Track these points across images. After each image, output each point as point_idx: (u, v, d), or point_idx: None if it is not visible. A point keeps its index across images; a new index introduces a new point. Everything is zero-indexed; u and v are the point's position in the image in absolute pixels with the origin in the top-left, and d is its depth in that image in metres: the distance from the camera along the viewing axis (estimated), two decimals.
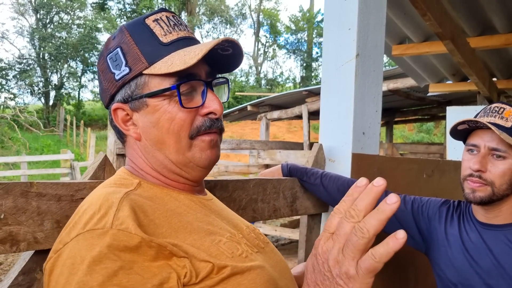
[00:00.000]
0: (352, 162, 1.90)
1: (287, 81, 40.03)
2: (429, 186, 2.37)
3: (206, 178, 1.05)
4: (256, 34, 39.07)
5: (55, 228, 0.98)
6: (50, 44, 26.93)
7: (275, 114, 10.78)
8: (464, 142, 1.55)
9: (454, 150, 4.65)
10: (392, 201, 0.60)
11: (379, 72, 2.06)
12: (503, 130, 1.40)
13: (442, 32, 3.00)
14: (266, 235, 7.20)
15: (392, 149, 10.18)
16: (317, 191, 1.79)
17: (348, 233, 0.63)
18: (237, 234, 0.92)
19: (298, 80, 39.18)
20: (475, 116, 1.52)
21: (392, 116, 12.31)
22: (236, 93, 29.54)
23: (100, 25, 29.01)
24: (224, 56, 0.94)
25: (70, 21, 28.96)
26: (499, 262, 1.40)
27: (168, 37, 0.90)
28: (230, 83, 1.03)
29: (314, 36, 37.97)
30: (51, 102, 28.01)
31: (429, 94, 7.30)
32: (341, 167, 1.92)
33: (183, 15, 31.94)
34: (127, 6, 31.43)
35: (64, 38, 27.92)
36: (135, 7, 30.55)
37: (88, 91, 34.26)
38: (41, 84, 27.60)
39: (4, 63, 26.57)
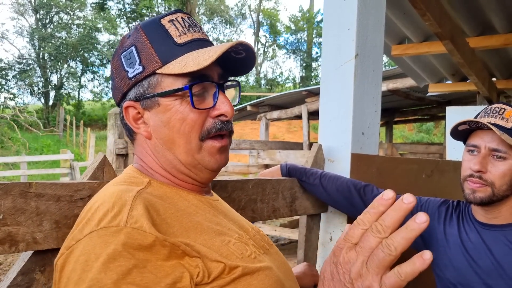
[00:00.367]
0: (351, 162, 1.90)
1: (287, 81, 40.06)
2: (429, 186, 2.37)
3: None
4: (256, 34, 39.07)
5: (54, 228, 0.98)
6: (50, 44, 26.93)
7: (275, 114, 10.78)
8: (464, 143, 1.55)
9: (454, 150, 4.65)
10: (422, 221, 0.59)
11: (378, 72, 2.06)
12: (503, 131, 1.40)
13: (442, 32, 3.00)
14: (264, 234, 7.26)
15: (392, 149, 10.18)
16: (316, 191, 1.79)
17: (373, 247, 0.62)
18: (244, 235, 0.93)
19: (298, 80, 39.19)
20: (476, 117, 1.52)
21: (392, 116, 12.31)
22: None
23: (99, 25, 29.02)
24: (237, 59, 0.94)
25: (70, 21, 28.96)
26: (499, 262, 1.40)
27: (183, 38, 0.90)
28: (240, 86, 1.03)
29: (314, 36, 37.98)
30: (50, 102, 28.01)
31: (428, 94, 7.30)
32: (340, 167, 1.92)
33: None
34: (126, 6, 31.42)
35: (63, 38, 27.92)
36: (134, 7, 30.53)
37: (88, 91, 34.29)
38: (40, 84, 27.61)
39: (4, 63, 26.58)
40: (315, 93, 9.43)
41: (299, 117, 10.71)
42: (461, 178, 1.50)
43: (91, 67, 30.01)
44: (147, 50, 0.90)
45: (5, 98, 25.46)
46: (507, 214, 1.45)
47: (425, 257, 0.59)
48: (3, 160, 13.16)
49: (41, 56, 27.67)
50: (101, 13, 29.75)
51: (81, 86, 30.12)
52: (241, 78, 35.63)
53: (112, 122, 4.84)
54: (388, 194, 0.62)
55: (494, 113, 1.45)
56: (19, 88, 27.11)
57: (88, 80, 30.70)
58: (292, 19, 39.09)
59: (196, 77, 0.88)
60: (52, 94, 28.16)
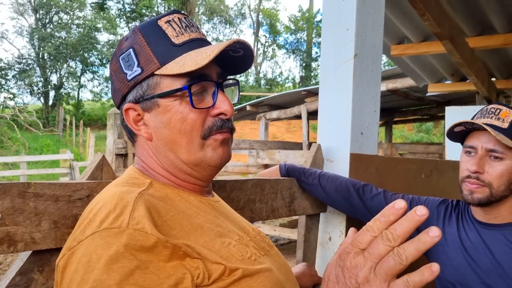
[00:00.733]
0: (350, 162, 1.90)
1: (287, 81, 40.05)
2: (428, 186, 2.37)
3: None
4: (256, 34, 39.06)
5: (53, 228, 0.98)
6: (50, 44, 26.93)
7: (274, 114, 10.78)
8: (462, 144, 1.55)
9: (453, 150, 4.65)
10: (435, 235, 0.60)
11: (377, 72, 2.06)
12: (499, 131, 1.40)
13: (441, 32, 3.00)
14: (265, 235, 7.25)
15: (391, 149, 10.17)
16: (315, 191, 1.79)
17: (382, 255, 0.63)
18: (245, 236, 0.93)
19: (297, 80, 39.18)
20: (472, 118, 1.52)
21: (391, 116, 12.30)
22: None
23: (99, 25, 29.01)
24: (235, 58, 0.94)
25: (70, 21, 28.95)
26: (498, 261, 1.40)
27: (180, 38, 0.90)
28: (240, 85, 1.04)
29: (313, 36, 37.97)
30: (50, 102, 28.01)
31: (428, 94, 7.30)
32: (339, 167, 1.92)
33: None
34: (126, 6, 31.41)
35: (63, 38, 27.92)
36: (134, 7, 30.52)
37: (88, 91, 34.29)
38: (40, 84, 27.60)
39: (4, 63, 26.58)
40: (315, 93, 9.43)
41: (298, 117, 10.71)
42: (459, 179, 1.50)
43: (91, 67, 30.01)
44: (145, 52, 0.90)
45: (4, 98, 25.48)
46: (506, 214, 1.45)
47: (434, 269, 0.60)
48: (2, 160, 13.16)
49: (40, 56, 27.67)
50: (101, 13, 29.75)
51: (80, 86, 30.13)
52: (241, 78, 35.63)
53: (112, 122, 4.85)
54: (400, 204, 0.63)
55: (490, 114, 1.46)
56: (19, 88, 27.12)
57: (88, 80, 30.73)
58: (292, 19, 39.08)
59: (195, 77, 0.88)
60: (51, 94, 28.16)
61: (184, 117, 0.89)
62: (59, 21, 28.98)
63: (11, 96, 26.32)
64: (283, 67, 62.06)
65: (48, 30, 28.11)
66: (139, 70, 0.90)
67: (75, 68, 29.39)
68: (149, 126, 0.92)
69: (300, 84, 36.43)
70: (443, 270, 1.54)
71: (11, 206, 0.92)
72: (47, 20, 28.76)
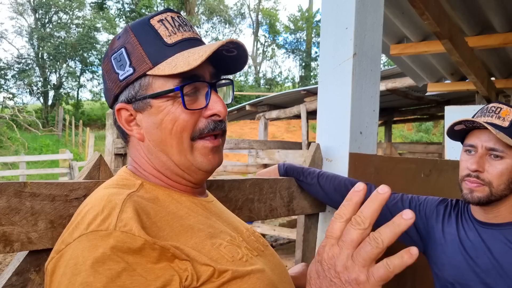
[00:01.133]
0: (349, 161, 1.90)
1: (286, 80, 40.05)
2: (427, 186, 2.36)
3: None
4: (255, 33, 39.06)
5: (49, 228, 0.98)
6: (49, 43, 26.91)
7: (274, 113, 10.77)
8: (462, 143, 1.55)
9: (453, 149, 4.64)
10: (408, 217, 0.61)
11: (376, 72, 2.06)
12: (500, 130, 1.39)
13: (440, 31, 3.00)
14: (264, 234, 7.21)
15: (391, 148, 10.17)
16: (313, 191, 1.79)
17: (355, 240, 0.64)
18: (237, 237, 0.92)
19: (297, 79, 39.18)
20: (472, 117, 1.52)
21: (391, 116, 12.30)
22: (235, 93, 29.48)
23: (99, 25, 29.00)
24: (229, 57, 0.93)
25: (69, 21, 28.94)
26: (498, 261, 1.40)
27: (173, 37, 0.89)
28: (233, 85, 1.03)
29: (313, 35, 37.97)
30: (50, 102, 27.99)
31: (427, 94, 7.31)
32: (338, 166, 1.92)
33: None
34: (126, 5, 31.42)
35: (63, 37, 27.91)
36: (134, 7, 30.52)
37: (87, 90, 34.27)
38: (40, 84, 27.59)
39: (3, 62, 26.57)
40: (314, 93, 9.42)
41: (298, 116, 10.70)
42: (459, 178, 1.50)
43: (90, 67, 29.99)
44: (137, 52, 0.89)
45: (4, 97, 25.44)
46: (506, 213, 1.44)
47: (412, 252, 0.61)
48: (2, 160, 13.15)
49: (40, 56, 27.66)
50: (100, 12, 29.74)
51: (80, 86, 30.11)
52: (240, 78, 35.68)
53: (111, 122, 4.84)
54: (359, 186, 0.65)
55: (491, 113, 1.45)
56: (18, 88, 27.10)
57: (87, 80, 30.70)
58: (291, 19, 39.08)
59: (187, 78, 0.88)
60: (51, 93, 28.14)
61: (175, 117, 0.88)
62: (59, 21, 28.96)
63: (11, 96, 26.30)
64: (282, 66, 62.09)
65: (48, 30, 28.10)
66: (131, 70, 0.89)
67: (75, 68, 29.38)
68: (141, 127, 0.92)
69: (300, 84, 36.42)
70: (442, 270, 1.54)
71: (7, 205, 0.92)
72: (46, 20, 28.74)
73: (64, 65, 28.19)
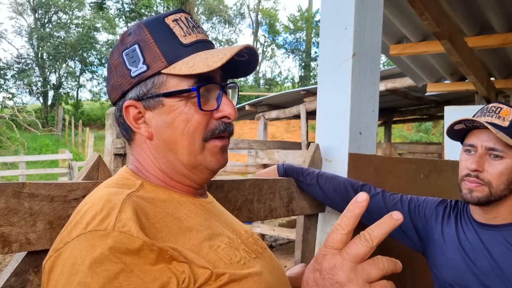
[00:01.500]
0: (348, 162, 1.90)
1: (286, 80, 40.03)
2: (426, 186, 2.36)
3: None
4: (255, 33, 39.05)
5: (48, 229, 0.98)
6: (49, 43, 26.91)
7: (273, 113, 10.76)
8: (462, 143, 1.54)
9: (452, 149, 4.64)
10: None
11: (376, 72, 2.06)
12: (500, 130, 1.39)
13: (440, 31, 3.00)
14: (264, 235, 7.20)
15: (391, 148, 10.17)
16: (313, 191, 1.78)
17: (361, 255, 0.66)
18: (235, 239, 0.92)
19: (296, 79, 39.18)
20: (473, 116, 1.51)
21: (390, 116, 12.30)
22: None
23: (98, 25, 29.00)
24: (238, 62, 0.94)
25: (69, 21, 28.94)
26: (497, 262, 1.39)
27: (188, 38, 0.89)
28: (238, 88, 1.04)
29: (312, 35, 37.95)
30: (49, 102, 27.99)
31: (427, 94, 7.31)
32: (338, 167, 1.91)
33: None
34: (125, 5, 31.39)
35: (62, 37, 27.91)
36: (133, 7, 30.51)
37: (87, 90, 34.25)
38: (39, 84, 27.58)
39: (3, 62, 26.57)
40: (314, 93, 9.42)
41: (297, 116, 10.70)
42: (459, 178, 1.49)
43: (90, 67, 29.99)
44: (151, 49, 0.88)
45: (3, 97, 25.41)
46: (505, 214, 1.44)
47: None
48: (1, 160, 13.14)
49: (39, 56, 27.65)
50: (100, 12, 29.72)
51: (79, 86, 30.11)
52: (240, 78, 35.63)
53: (110, 122, 4.83)
54: (362, 196, 0.67)
55: (491, 112, 1.45)
56: (18, 88, 27.08)
57: (87, 80, 30.71)
58: (291, 19, 39.07)
59: (202, 79, 0.88)
60: (50, 93, 28.14)
61: (188, 118, 0.88)
62: (58, 21, 28.96)
63: (10, 96, 26.28)
64: (282, 67, 62.09)
65: (47, 29, 28.09)
66: (144, 67, 0.88)
67: (74, 68, 29.37)
68: (150, 125, 0.91)
69: (299, 84, 36.41)
70: (441, 271, 1.54)
71: (5, 206, 0.92)
72: (46, 20, 28.74)
73: (64, 65, 28.18)
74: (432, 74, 5.98)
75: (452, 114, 5.02)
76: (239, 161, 11.55)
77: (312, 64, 38.12)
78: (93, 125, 26.14)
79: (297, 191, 1.80)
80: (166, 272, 0.73)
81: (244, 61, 0.94)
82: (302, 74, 38.49)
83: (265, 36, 40.03)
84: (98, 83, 30.67)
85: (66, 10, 28.55)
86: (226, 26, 37.07)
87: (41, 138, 20.54)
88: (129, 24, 30.86)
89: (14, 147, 18.50)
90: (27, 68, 27.39)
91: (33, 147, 19.30)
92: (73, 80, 29.43)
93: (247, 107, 11.23)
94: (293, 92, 10.24)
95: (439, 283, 1.55)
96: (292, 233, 6.62)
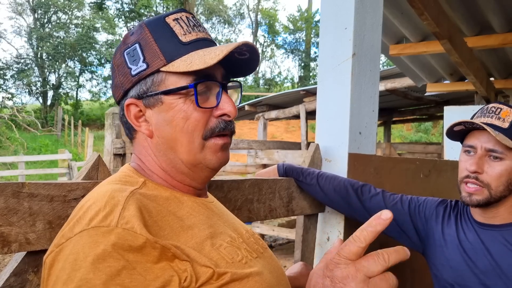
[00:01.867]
0: (348, 162, 1.89)
1: (285, 81, 40.04)
2: (426, 186, 2.36)
3: None
4: (254, 34, 39.05)
5: (47, 229, 0.97)
6: (48, 43, 26.90)
7: (273, 113, 10.76)
8: (462, 143, 1.54)
9: (452, 150, 4.64)
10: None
11: (375, 72, 2.05)
12: (499, 131, 1.39)
13: (440, 31, 3.00)
14: (263, 235, 7.20)
15: (390, 148, 10.17)
16: (313, 191, 1.78)
17: (376, 272, 0.69)
18: (237, 238, 0.92)
19: (296, 80, 39.18)
20: (472, 117, 1.51)
21: (390, 116, 12.30)
22: None
23: (98, 25, 28.99)
24: (239, 60, 0.94)
25: (68, 21, 28.94)
26: (497, 262, 1.39)
27: (188, 36, 0.90)
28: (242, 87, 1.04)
29: (312, 36, 37.96)
30: (49, 102, 27.98)
31: (426, 94, 7.30)
32: (338, 167, 1.91)
33: None
34: (125, 6, 31.38)
35: (62, 37, 27.90)
36: (133, 7, 30.50)
37: (86, 90, 34.26)
38: (39, 84, 27.57)
39: (2, 62, 26.56)
40: (313, 93, 9.42)
41: (297, 116, 10.70)
42: (458, 179, 1.49)
43: (89, 67, 29.99)
44: (151, 48, 0.89)
45: (3, 97, 25.40)
46: (505, 214, 1.44)
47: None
48: (1, 160, 13.14)
49: (39, 56, 27.64)
50: (99, 12, 29.71)
51: (79, 86, 30.09)
52: (240, 78, 35.65)
53: (110, 122, 4.83)
54: (386, 214, 0.70)
55: (491, 113, 1.44)
56: (17, 88, 27.09)
57: (86, 80, 30.69)
58: (291, 19, 39.08)
59: (201, 76, 0.88)
60: (50, 93, 28.13)
61: (187, 115, 0.88)
62: (58, 21, 28.94)
63: (10, 96, 26.28)
64: (281, 67, 62.17)
65: (47, 30, 28.08)
66: (144, 66, 0.89)
67: (74, 68, 29.36)
68: (150, 123, 0.91)
69: (299, 84, 36.42)
70: (441, 271, 1.54)
71: (5, 206, 0.92)
72: (45, 20, 28.73)
73: (63, 65, 28.17)
74: (432, 74, 5.98)
75: (452, 114, 5.02)
76: (238, 161, 11.56)
77: (312, 64, 38.13)
78: (92, 125, 26.12)
79: (297, 191, 1.80)
80: (168, 271, 0.72)
81: (246, 60, 0.94)
82: (302, 74, 38.50)
83: (264, 36, 40.08)
84: (98, 83, 30.68)
85: (66, 10, 28.54)
86: (226, 26, 37.10)
87: (40, 138, 20.53)
88: (128, 24, 30.88)
89: (13, 147, 18.49)
90: (26, 68, 27.38)
91: (33, 147, 19.29)
92: (73, 80, 29.42)
93: (246, 107, 11.23)
94: (292, 92, 10.24)
95: (439, 283, 1.55)
96: (291, 233, 6.62)
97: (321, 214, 1.98)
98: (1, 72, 26.03)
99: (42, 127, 22.29)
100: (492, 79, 5.73)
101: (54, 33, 27.83)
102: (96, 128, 25.51)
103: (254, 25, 39.03)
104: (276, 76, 40.11)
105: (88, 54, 28.89)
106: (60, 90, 28.50)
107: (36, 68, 27.78)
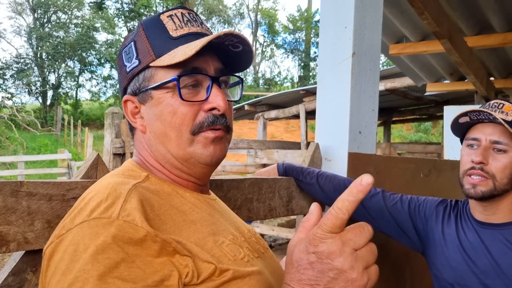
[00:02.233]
0: (348, 161, 1.89)
1: (285, 80, 40.06)
2: (426, 186, 2.35)
3: None
4: (254, 33, 39.05)
5: (46, 228, 0.97)
6: (48, 43, 26.90)
7: (273, 113, 10.77)
8: (462, 140, 1.54)
9: (452, 149, 4.64)
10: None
11: (375, 71, 2.05)
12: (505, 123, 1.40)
13: (440, 31, 2.99)
14: (263, 234, 7.21)
15: (390, 148, 10.17)
16: (313, 191, 1.78)
17: (362, 245, 0.67)
18: (239, 237, 0.91)
19: (296, 79, 39.20)
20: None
21: (390, 116, 12.31)
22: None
23: (97, 25, 28.99)
24: (235, 54, 0.93)
25: (68, 21, 28.94)
26: (497, 262, 1.39)
27: (179, 31, 0.90)
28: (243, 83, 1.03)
29: (312, 35, 37.98)
30: (48, 102, 27.98)
31: (426, 94, 7.30)
32: (338, 166, 1.91)
33: None
34: (124, 5, 31.39)
35: (61, 37, 27.90)
36: (132, 7, 30.50)
37: (86, 90, 34.23)
38: (38, 84, 27.58)
39: (2, 62, 26.56)
40: (313, 93, 9.41)
41: (297, 116, 10.70)
42: (461, 173, 1.48)
43: (89, 67, 29.99)
44: (143, 45, 0.90)
45: (2, 97, 25.39)
46: (505, 212, 1.44)
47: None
48: (0, 160, 13.14)
49: (38, 56, 27.64)
50: (99, 12, 29.71)
51: (79, 86, 30.10)
52: (241, 72, 35.63)
53: (109, 121, 4.83)
54: (367, 179, 0.65)
55: (493, 108, 1.46)
56: (17, 88, 27.08)
57: (86, 80, 30.70)
58: (290, 19, 39.09)
59: (188, 70, 0.87)
60: (49, 93, 28.14)
61: (174, 110, 0.88)
62: (57, 21, 28.94)
63: (9, 95, 26.28)
64: (281, 66, 62.17)
65: (46, 29, 28.08)
66: (136, 62, 0.90)
67: (73, 67, 29.38)
68: (144, 119, 0.92)
69: (299, 84, 36.42)
70: (441, 271, 1.53)
71: (3, 205, 0.91)
72: (45, 20, 28.73)
73: (63, 65, 28.18)
74: (432, 74, 5.98)
75: (452, 113, 4.99)
76: (238, 161, 11.55)
77: (312, 64, 38.14)
78: (92, 125, 26.12)
79: (296, 190, 1.79)
80: (168, 265, 0.72)
81: (241, 52, 0.93)
82: (301, 74, 38.52)
83: (264, 36, 40.08)
84: (97, 83, 30.69)
85: (65, 10, 28.54)
86: (226, 26, 37.05)
87: (40, 138, 20.52)
88: (128, 24, 30.87)
89: (13, 147, 18.49)
90: (26, 68, 27.38)
91: (32, 147, 19.28)
92: (72, 80, 29.43)
93: (246, 107, 11.23)
94: (292, 91, 10.24)
95: (439, 283, 1.55)
96: (291, 233, 6.62)
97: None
98: (1, 71, 26.04)
99: (41, 127, 22.28)
100: (492, 78, 5.73)
101: (54, 33, 27.84)
102: (96, 128, 25.50)
103: (253, 25, 39.05)
104: (275, 76, 40.15)
105: (88, 54, 28.89)
106: (60, 90, 28.51)
107: (35, 67, 27.78)
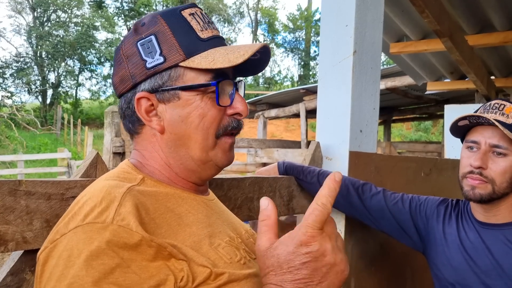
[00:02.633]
0: (349, 160, 1.88)
1: (285, 79, 40.08)
2: (427, 185, 2.35)
3: None
4: (254, 32, 39.05)
5: (45, 227, 0.96)
6: (48, 42, 26.91)
7: (273, 112, 10.77)
8: (462, 140, 1.53)
9: (452, 148, 4.64)
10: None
11: (376, 70, 2.04)
12: (505, 127, 1.38)
13: (440, 29, 2.98)
14: None
15: (390, 147, 10.17)
16: (313, 190, 1.77)
17: (335, 234, 0.74)
18: (236, 238, 0.90)
19: (296, 78, 39.22)
20: (475, 112, 1.50)
21: (390, 115, 12.32)
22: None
23: (97, 23, 29.00)
24: (249, 60, 0.92)
25: (68, 19, 28.95)
26: (498, 262, 1.39)
27: (205, 33, 0.89)
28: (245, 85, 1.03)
29: (312, 34, 38.00)
30: (48, 101, 28.01)
31: (427, 93, 7.29)
32: (338, 165, 1.90)
33: None
34: (124, 4, 31.38)
35: (61, 36, 27.92)
36: (132, 5, 30.50)
37: (86, 89, 34.28)
38: (38, 83, 27.60)
39: (1, 61, 26.58)
40: (313, 91, 9.42)
41: (297, 115, 10.70)
42: (460, 175, 1.48)
43: (89, 66, 30.02)
44: (169, 41, 0.87)
45: (2, 96, 25.42)
46: (506, 213, 1.43)
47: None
48: (0, 159, 13.14)
49: (38, 55, 27.66)
50: (99, 11, 29.72)
51: (78, 85, 30.12)
52: (248, 77, 35.73)
53: (109, 120, 4.82)
54: (339, 176, 0.72)
55: (494, 109, 1.43)
56: (17, 87, 27.13)
57: (86, 79, 30.74)
58: (290, 18, 39.11)
59: (219, 75, 0.87)
60: (49, 92, 28.17)
61: (204, 113, 0.87)
62: (57, 20, 28.95)
63: (9, 94, 26.33)
64: (281, 65, 62.12)
65: (46, 28, 28.09)
66: (161, 59, 0.86)
67: (73, 66, 29.40)
68: (162, 118, 0.89)
69: (299, 83, 36.45)
70: (442, 270, 1.53)
71: (1, 204, 0.90)
72: (45, 19, 28.74)
73: (63, 64, 28.19)
74: (432, 73, 5.97)
75: (452, 112, 5.01)
76: (238, 160, 11.55)
77: (312, 63, 38.18)
78: (92, 124, 26.13)
79: (297, 189, 1.78)
80: (164, 270, 0.71)
81: (256, 60, 0.93)
82: (302, 73, 38.53)
83: (264, 35, 40.06)
84: (97, 82, 30.71)
85: (65, 8, 28.55)
86: (226, 25, 37.07)
87: (39, 137, 20.53)
88: (128, 23, 30.85)
89: (12, 146, 18.50)
90: (26, 66, 27.40)
91: (32, 146, 19.30)
92: (72, 79, 29.46)
93: None
94: (292, 90, 10.25)
95: (440, 282, 1.54)
96: None
97: None
98: (1, 70, 26.05)
99: (41, 125, 22.30)
100: (492, 77, 5.72)
101: (54, 32, 27.85)
102: (96, 126, 25.51)
103: (253, 24, 39.04)
104: (276, 75, 40.15)
105: (88, 53, 28.92)
106: (60, 89, 28.53)
107: (35, 66, 27.80)
